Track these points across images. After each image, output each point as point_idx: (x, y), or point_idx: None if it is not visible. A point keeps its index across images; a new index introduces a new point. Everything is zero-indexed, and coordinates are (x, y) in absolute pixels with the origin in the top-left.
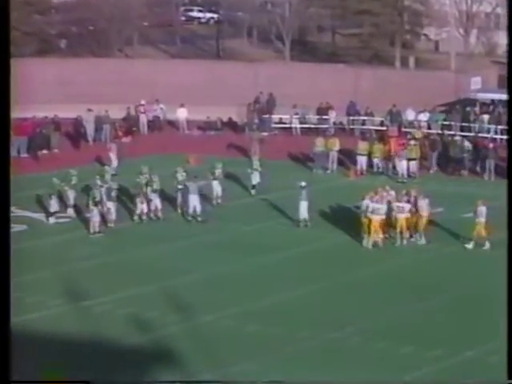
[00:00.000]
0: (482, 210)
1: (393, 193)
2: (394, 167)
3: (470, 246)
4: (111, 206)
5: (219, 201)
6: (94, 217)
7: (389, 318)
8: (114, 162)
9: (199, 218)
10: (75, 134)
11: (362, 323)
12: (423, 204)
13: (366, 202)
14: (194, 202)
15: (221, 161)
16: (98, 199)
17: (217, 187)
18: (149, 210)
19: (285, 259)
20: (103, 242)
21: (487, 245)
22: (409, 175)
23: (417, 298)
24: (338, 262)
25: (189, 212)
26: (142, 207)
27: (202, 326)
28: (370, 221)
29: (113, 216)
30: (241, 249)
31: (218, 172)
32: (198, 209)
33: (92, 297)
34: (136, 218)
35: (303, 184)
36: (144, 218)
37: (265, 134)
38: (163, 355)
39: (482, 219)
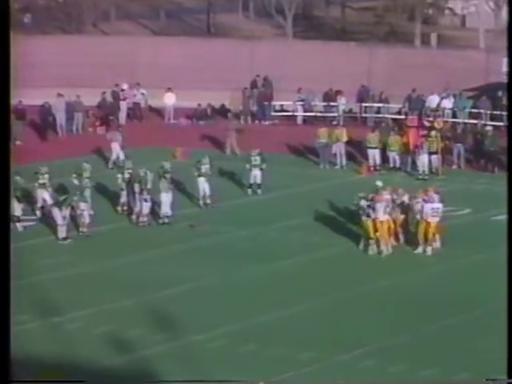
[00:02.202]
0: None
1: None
2: (414, 162)
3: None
4: (84, 207)
5: (208, 201)
6: (58, 220)
7: (407, 338)
8: (120, 154)
9: (166, 220)
10: (42, 123)
11: (376, 343)
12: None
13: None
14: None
15: (207, 155)
16: (71, 200)
17: (203, 185)
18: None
19: (286, 269)
20: (73, 249)
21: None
22: (431, 171)
23: (448, 314)
24: (350, 273)
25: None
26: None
27: (190, 346)
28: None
29: (86, 219)
30: (235, 257)
31: (205, 168)
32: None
33: (61, 312)
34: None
35: None
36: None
37: (265, 123)
38: (145, 381)
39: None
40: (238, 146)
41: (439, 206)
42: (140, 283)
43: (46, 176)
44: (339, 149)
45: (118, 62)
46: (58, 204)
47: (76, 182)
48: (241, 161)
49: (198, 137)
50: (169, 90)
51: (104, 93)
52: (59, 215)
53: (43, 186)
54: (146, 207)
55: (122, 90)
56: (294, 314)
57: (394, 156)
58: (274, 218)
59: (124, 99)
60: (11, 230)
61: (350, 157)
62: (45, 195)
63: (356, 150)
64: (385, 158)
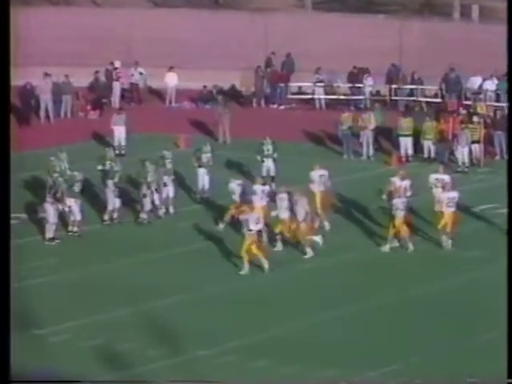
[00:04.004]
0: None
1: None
2: (453, 152)
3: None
4: (73, 203)
5: (205, 195)
6: (50, 218)
7: (444, 353)
8: (122, 140)
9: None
10: (24, 107)
11: (406, 358)
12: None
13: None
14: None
15: (208, 142)
16: (58, 195)
17: (203, 177)
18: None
19: (300, 274)
20: (61, 250)
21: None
22: (471, 162)
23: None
24: (374, 278)
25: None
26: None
27: (194, 362)
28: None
29: (76, 217)
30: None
31: (206, 157)
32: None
33: (46, 324)
34: (107, 217)
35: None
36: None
37: (281, 107)
38: None
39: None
40: (249, 132)
41: (455, 195)
42: (136, 290)
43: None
44: (366, 137)
45: (112, 38)
46: (51, 199)
47: (55, 174)
48: (249, 150)
49: (203, 122)
50: (171, 69)
51: (97, 72)
52: (52, 212)
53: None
54: (147, 203)
55: (115, 69)
56: (313, 325)
57: (428, 145)
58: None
59: (117, 79)
60: None
61: (377, 146)
62: None
63: (385, 139)
64: (418, 148)
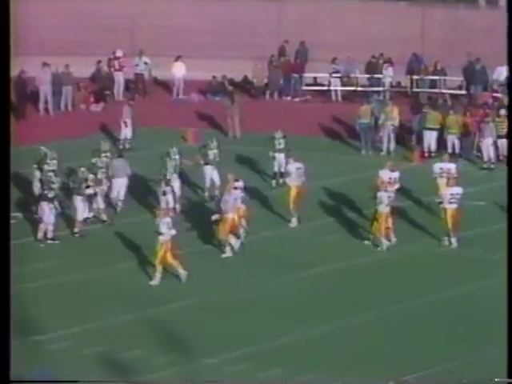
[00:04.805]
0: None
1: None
2: (479, 148)
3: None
4: (80, 202)
5: (216, 192)
6: (46, 216)
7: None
8: (128, 132)
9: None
10: (19, 99)
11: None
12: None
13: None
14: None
15: (215, 138)
16: (55, 191)
17: (212, 174)
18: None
19: (318, 278)
20: (59, 252)
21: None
22: (498, 159)
23: None
24: (400, 282)
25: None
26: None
27: (202, 370)
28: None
29: (80, 215)
30: (255, 264)
31: (213, 153)
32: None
33: (45, 330)
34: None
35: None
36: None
37: (295, 99)
38: None
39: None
40: (260, 126)
41: (459, 190)
42: (141, 294)
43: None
44: (387, 131)
45: (115, 25)
46: (47, 197)
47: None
48: (260, 145)
49: (213, 116)
50: (178, 58)
51: (99, 62)
52: (47, 211)
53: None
54: (166, 200)
55: (117, 59)
56: (329, 332)
57: (453, 139)
58: (303, 217)
59: (121, 69)
60: None
61: (397, 140)
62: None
63: (405, 133)
64: (441, 143)
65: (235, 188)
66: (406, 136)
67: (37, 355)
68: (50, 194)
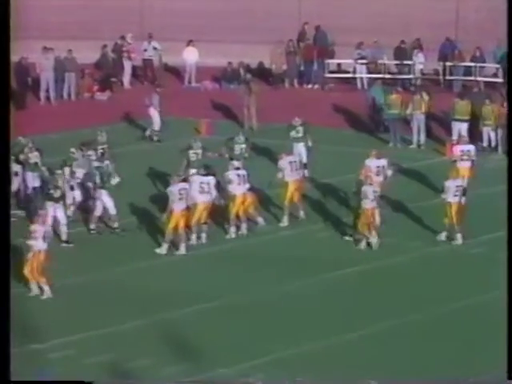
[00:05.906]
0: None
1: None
2: None
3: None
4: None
5: None
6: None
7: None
8: (156, 123)
9: None
10: (19, 86)
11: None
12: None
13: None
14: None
15: (241, 132)
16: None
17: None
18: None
19: (342, 281)
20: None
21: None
22: None
23: None
24: (423, 286)
25: None
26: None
27: (215, 381)
28: None
29: (94, 214)
30: (272, 265)
31: (240, 148)
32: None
33: (47, 337)
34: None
35: None
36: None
37: (316, 87)
38: None
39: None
40: (279, 116)
41: (461, 183)
42: (151, 298)
43: (33, 155)
44: (418, 122)
45: (122, 7)
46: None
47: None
48: (279, 137)
49: (228, 105)
50: (190, 43)
51: (105, 47)
52: (52, 213)
53: (32, 168)
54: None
55: (126, 43)
56: (351, 341)
57: (488, 131)
58: (325, 214)
59: (128, 55)
60: None
61: (428, 133)
62: (32, 181)
63: (438, 124)
64: (476, 135)
65: (184, 180)
66: (439, 128)
67: (38, 364)
68: (56, 194)
